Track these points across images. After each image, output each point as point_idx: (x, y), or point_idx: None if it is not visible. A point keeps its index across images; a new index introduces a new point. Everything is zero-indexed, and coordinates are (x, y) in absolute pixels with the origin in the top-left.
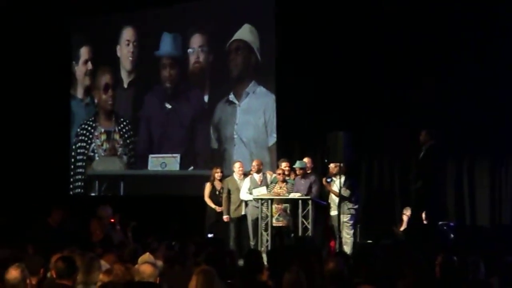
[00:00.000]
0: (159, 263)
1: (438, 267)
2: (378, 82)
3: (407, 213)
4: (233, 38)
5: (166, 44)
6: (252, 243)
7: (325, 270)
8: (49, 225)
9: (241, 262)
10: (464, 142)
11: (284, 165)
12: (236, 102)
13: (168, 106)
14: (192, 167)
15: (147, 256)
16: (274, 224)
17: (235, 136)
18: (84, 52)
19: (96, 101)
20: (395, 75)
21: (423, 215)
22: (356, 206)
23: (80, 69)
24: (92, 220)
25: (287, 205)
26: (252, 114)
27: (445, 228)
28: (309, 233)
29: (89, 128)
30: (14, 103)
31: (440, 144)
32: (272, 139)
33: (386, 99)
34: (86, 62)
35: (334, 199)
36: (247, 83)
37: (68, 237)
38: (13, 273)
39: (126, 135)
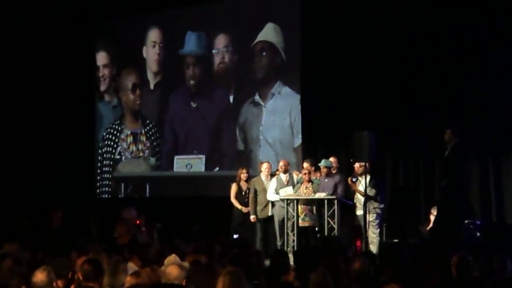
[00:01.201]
0: (186, 264)
1: (454, 267)
2: (403, 81)
3: (434, 212)
4: (258, 40)
5: (191, 42)
6: (279, 243)
7: (351, 269)
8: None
9: (267, 263)
10: (489, 140)
11: (306, 165)
12: (262, 103)
13: (193, 105)
14: (217, 168)
15: (173, 257)
16: (300, 224)
17: (261, 137)
18: (107, 54)
19: (122, 102)
20: (420, 74)
21: (434, 211)
22: (382, 206)
23: (105, 71)
24: (118, 222)
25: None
26: (278, 115)
27: (471, 226)
28: (335, 232)
29: (115, 131)
30: (40, 106)
31: (465, 142)
32: (298, 140)
33: (411, 98)
34: (110, 63)
35: (359, 199)
36: (272, 83)
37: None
38: (40, 276)
39: (152, 137)
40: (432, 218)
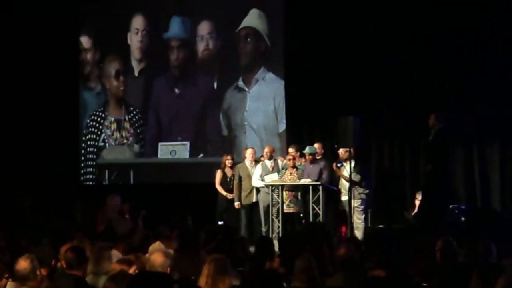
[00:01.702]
0: (170, 251)
1: (438, 252)
2: (387, 66)
3: (419, 197)
4: (242, 25)
5: (175, 27)
6: (263, 230)
7: (336, 255)
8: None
9: (252, 249)
10: (474, 125)
11: (291, 150)
12: (246, 88)
13: (177, 91)
14: (201, 155)
15: (157, 244)
16: (285, 211)
17: (245, 123)
18: (91, 40)
19: (106, 89)
20: (404, 59)
21: (418, 196)
22: (366, 191)
23: (89, 57)
24: (97, 210)
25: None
26: (262, 100)
27: (456, 211)
28: (320, 218)
29: (99, 118)
30: (23, 92)
31: (449, 127)
32: (283, 125)
33: (395, 83)
34: (93, 49)
35: (344, 184)
36: (256, 69)
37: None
38: (23, 264)
39: (136, 124)
40: (417, 203)
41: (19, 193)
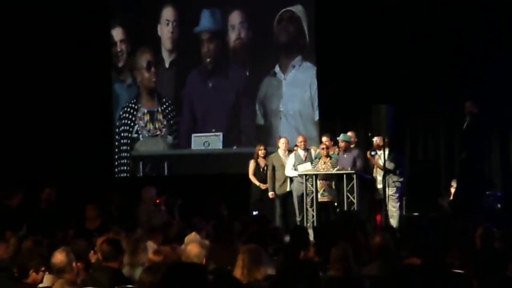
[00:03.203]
0: (206, 242)
1: (478, 238)
2: (422, 53)
3: (454, 185)
4: (286, 8)
5: (205, 19)
6: (298, 219)
7: (372, 244)
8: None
9: (287, 239)
10: (509, 111)
11: (325, 139)
12: (282, 75)
13: (210, 83)
14: (235, 146)
15: (193, 235)
16: (319, 200)
17: (281, 110)
18: (121, 32)
19: (137, 81)
20: (438, 46)
21: (453, 183)
22: (401, 179)
23: (119, 49)
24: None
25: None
26: (298, 87)
27: (492, 198)
28: (355, 207)
29: (132, 110)
30: (56, 85)
31: (484, 114)
32: (318, 113)
33: (430, 70)
34: (124, 42)
35: (379, 173)
36: (294, 56)
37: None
38: (59, 257)
39: (169, 116)
40: (453, 191)
41: (50, 185)
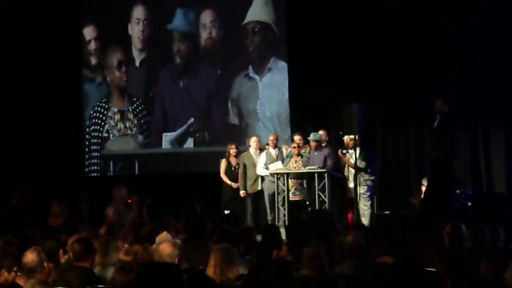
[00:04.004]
0: (178, 242)
1: (446, 236)
2: (391, 52)
3: (425, 183)
4: (248, 20)
5: (178, 18)
6: (269, 218)
7: (344, 243)
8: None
9: (259, 238)
10: (477, 109)
11: (296, 138)
12: (257, 76)
13: (182, 82)
14: (206, 145)
15: (164, 235)
16: (290, 199)
17: (258, 111)
18: (92, 31)
19: (108, 80)
20: (408, 45)
21: (424, 182)
22: (372, 178)
23: (90, 48)
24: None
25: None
26: (275, 89)
27: (462, 196)
28: (326, 206)
29: (102, 109)
30: (25, 84)
31: (454, 112)
32: (290, 112)
33: (400, 69)
34: (95, 40)
35: (350, 171)
36: (268, 59)
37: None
38: (30, 257)
39: (140, 115)
40: (423, 189)
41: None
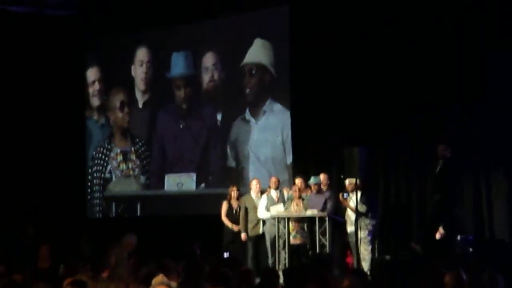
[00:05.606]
0: (173, 285)
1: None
2: (394, 97)
3: (441, 230)
4: (246, 61)
5: (178, 64)
6: (270, 261)
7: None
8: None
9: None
10: (480, 155)
11: (297, 181)
12: (253, 120)
13: (182, 123)
14: (203, 185)
15: (160, 277)
16: (291, 242)
17: (251, 155)
18: (96, 72)
19: (111, 121)
20: (410, 91)
21: (441, 230)
22: (373, 222)
23: (93, 89)
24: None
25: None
26: (270, 132)
27: (464, 242)
28: (327, 249)
29: (105, 150)
30: (29, 126)
31: (457, 158)
32: (290, 157)
33: (402, 113)
34: (98, 82)
35: (350, 215)
36: (264, 101)
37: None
38: None
39: (142, 156)
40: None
41: (23, 223)
